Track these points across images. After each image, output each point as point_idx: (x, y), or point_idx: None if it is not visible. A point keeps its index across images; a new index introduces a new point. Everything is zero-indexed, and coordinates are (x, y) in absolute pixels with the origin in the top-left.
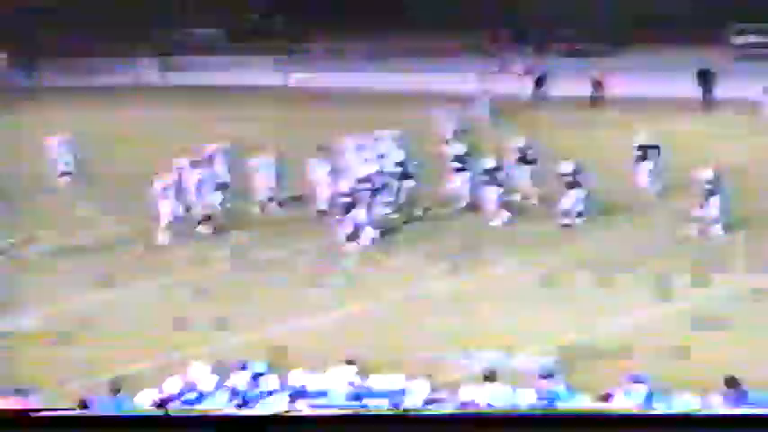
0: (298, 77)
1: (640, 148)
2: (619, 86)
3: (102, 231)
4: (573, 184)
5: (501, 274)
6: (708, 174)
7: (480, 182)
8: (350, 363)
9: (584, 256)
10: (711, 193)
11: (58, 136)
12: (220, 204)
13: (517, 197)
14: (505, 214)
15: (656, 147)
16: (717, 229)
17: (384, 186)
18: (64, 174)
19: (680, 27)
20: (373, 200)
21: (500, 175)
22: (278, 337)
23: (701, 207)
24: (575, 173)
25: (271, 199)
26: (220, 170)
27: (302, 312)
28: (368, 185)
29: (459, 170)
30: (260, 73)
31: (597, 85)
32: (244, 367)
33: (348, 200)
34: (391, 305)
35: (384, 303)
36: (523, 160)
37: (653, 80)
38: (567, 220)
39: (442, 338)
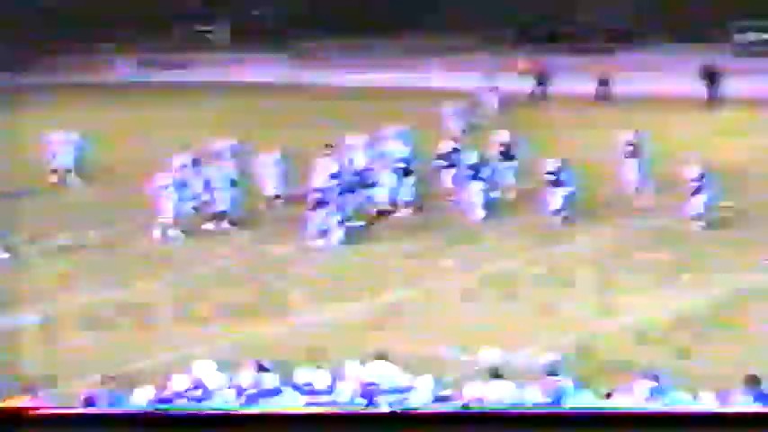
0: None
1: (629, 144)
2: (621, 85)
3: (105, 229)
4: (557, 183)
5: (499, 270)
6: (694, 171)
7: (465, 177)
8: (380, 357)
9: (579, 253)
10: (698, 190)
11: (58, 133)
12: (232, 201)
13: (498, 193)
14: (481, 212)
15: (641, 144)
16: (700, 226)
17: (353, 187)
18: (63, 171)
19: (683, 25)
20: (342, 199)
21: (485, 171)
22: (280, 335)
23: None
24: (559, 171)
25: (278, 196)
26: (230, 167)
27: (303, 311)
28: (336, 183)
29: (447, 167)
30: (265, 70)
31: (603, 82)
32: (262, 367)
33: (319, 196)
34: (391, 303)
35: (383, 301)
36: (506, 155)
37: (655, 78)
38: (556, 218)
39: (443, 336)
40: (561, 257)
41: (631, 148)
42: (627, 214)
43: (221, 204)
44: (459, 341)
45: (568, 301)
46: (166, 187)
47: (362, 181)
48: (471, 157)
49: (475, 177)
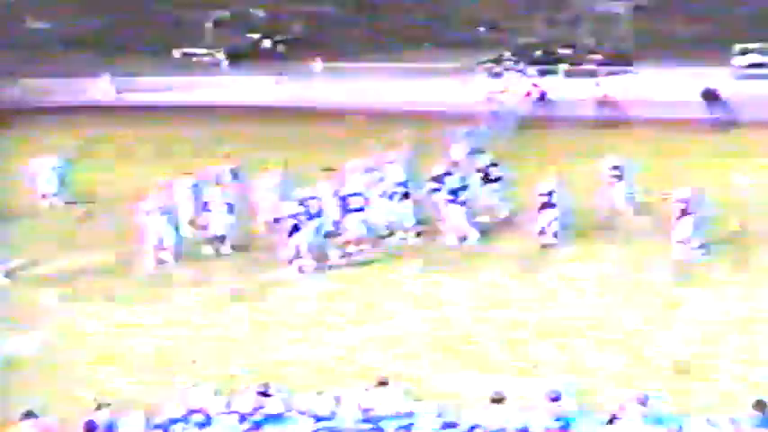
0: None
1: (614, 168)
2: (621, 107)
3: (96, 254)
4: (547, 205)
5: (494, 295)
6: (684, 193)
7: (445, 201)
8: (382, 383)
9: (568, 276)
10: (685, 212)
11: (44, 157)
12: (231, 225)
13: (485, 218)
14: (453, 238)
15: (624, 167)
16: (689, 250)
17: (319, 213)
18: (49, 195)
19: (684, 47)
20: (310, 225)
21: (462, 194)
22: (280, 360)
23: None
24: (551, 193)
25: (276, 220)
26: (229, 190)
27: (302, 334)
28: (303, 210)
29: (436, 190)
30: (259, 91)
31: (604, 104)
32: (263, 392)
33: (293, 222)
34: (390, 327)
35: (381, 325)
36: (488, 179)
37: (656, 101)
38: (546, 240)
39: (445, 362)
40: (553, 281)
41: (617, 172)
42: (619, 237)
43: (220, 228)
44: (461, 367)
45: (567, 327)
46: (154, 211)
47: (345, 206)
48: (453, 181)
49: (454, 201)
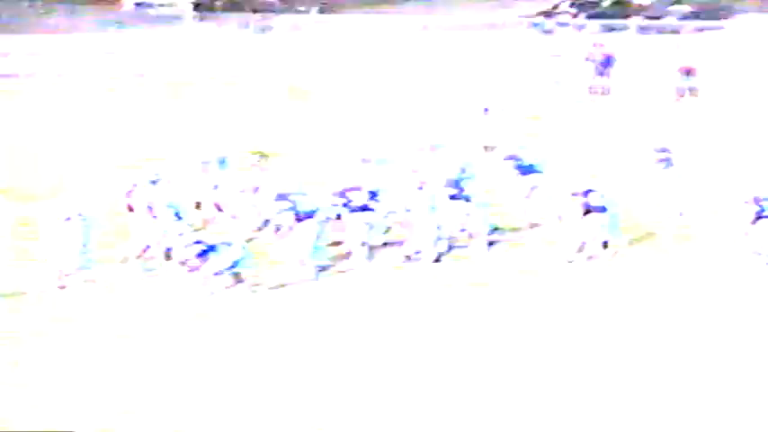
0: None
1: (661, 151)
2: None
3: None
4: (588, 209)
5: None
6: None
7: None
8: None
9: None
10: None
11: None
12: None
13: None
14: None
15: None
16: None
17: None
18: None
19: None
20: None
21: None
22: None
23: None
24: (590, 193)
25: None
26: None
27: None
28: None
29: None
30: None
31: (687, 72)
32: None
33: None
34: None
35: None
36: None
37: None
38: (576, 256)
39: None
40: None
41: (664, 155)
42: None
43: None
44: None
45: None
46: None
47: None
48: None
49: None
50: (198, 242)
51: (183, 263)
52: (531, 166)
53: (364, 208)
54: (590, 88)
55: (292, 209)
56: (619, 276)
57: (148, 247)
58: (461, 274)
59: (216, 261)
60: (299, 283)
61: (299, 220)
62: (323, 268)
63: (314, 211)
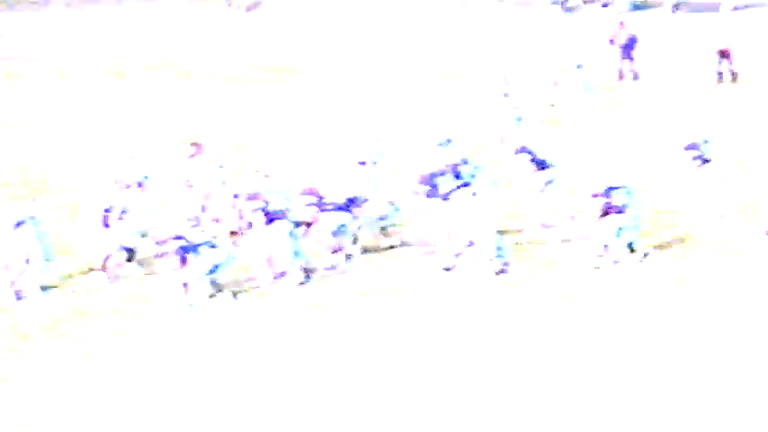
0: None
1: (693, 147)
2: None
3: None
4: (610, 208)
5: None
6: None
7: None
8: None
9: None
10: None
11: None
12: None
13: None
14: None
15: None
16: None
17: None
18: None
19: None
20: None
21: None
22: None
23: None
24: (611, 192)
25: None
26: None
27: None
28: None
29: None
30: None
31: (722, 55)
32: None
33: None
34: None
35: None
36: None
37: None
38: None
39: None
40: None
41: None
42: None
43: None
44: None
45: None
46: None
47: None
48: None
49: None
50: (179, 237)
51: (159, 255)
52: (545, 160)
53: (339, 208)
54: (618, 72)
55: (263, 209)
56: (646, 288)
57: (109, 256)
58: (462, 274)
59: (197, 264)
60: (281, 290)
61: (270, 220)
62: (308, 271)
63: (286, 211)
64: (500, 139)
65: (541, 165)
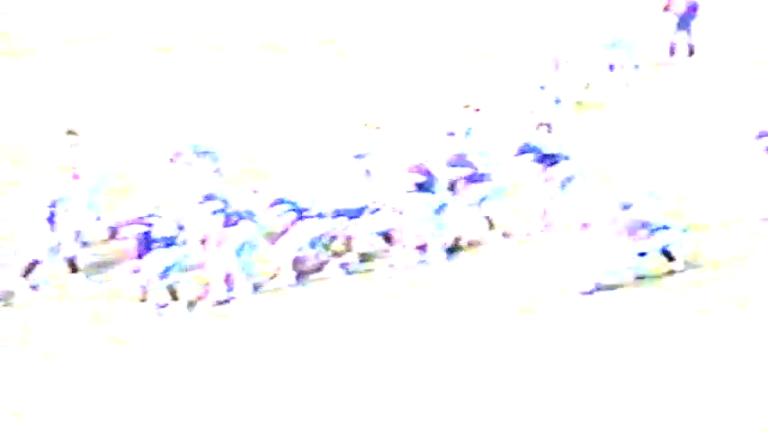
0: None
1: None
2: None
3: None
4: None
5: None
6: None
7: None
8: None
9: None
10: None
11: None
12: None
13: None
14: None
15: None
16: None
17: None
18: None
19: None
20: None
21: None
22: None
23: None
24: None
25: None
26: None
27: None
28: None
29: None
30: None
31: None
32: None
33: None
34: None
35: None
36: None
37: None
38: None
39: None
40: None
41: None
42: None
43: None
44: None
45: None
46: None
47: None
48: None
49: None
50: (141, 219)
51: (114, 235)
52: (554, 154)
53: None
54: (671, 47)
55: (222, 210)
56: (686, 305)
57: (37, 261)
58: (462, 276)
59: (152, 261)
60: (237, 301)
61: (229, 224)
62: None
63: (249, 215)
64: (536, 125)
65: (552, 161)
